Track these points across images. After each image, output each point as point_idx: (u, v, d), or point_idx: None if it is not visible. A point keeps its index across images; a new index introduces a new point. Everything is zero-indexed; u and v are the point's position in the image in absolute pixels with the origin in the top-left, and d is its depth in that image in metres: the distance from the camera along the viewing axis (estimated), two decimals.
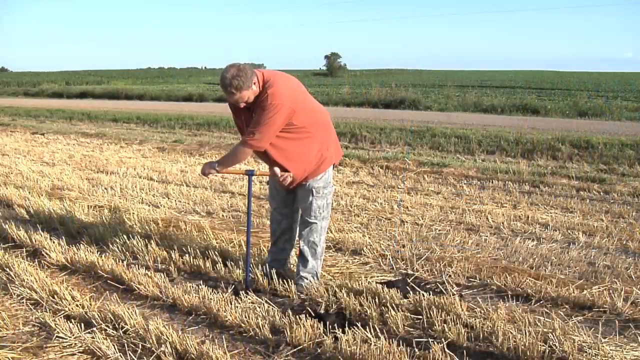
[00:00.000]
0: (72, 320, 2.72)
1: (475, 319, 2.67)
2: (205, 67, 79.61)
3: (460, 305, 2.80)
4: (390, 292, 2.95)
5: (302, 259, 3.15)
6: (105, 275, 3.32)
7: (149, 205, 5.08)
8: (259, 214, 4.77)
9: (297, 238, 3.32)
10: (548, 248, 3.88)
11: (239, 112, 2.94)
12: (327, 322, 2.65)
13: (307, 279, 3.13)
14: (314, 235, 3.10)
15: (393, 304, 2.83)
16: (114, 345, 2.48)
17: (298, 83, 2.95)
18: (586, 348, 2.38)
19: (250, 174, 3.09)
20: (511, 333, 2.47)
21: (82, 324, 2.69)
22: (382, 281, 3.24)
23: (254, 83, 2.72)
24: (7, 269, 3.37)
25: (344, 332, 2.53)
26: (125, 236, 3.84)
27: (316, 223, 3.08)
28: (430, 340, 2.49)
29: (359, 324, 2.60)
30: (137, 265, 3.45)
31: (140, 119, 13.62)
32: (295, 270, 3.24)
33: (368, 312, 2.75)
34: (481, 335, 2.55)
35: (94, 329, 2.63)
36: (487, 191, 5.79)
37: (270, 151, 2.91)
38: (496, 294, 3.10)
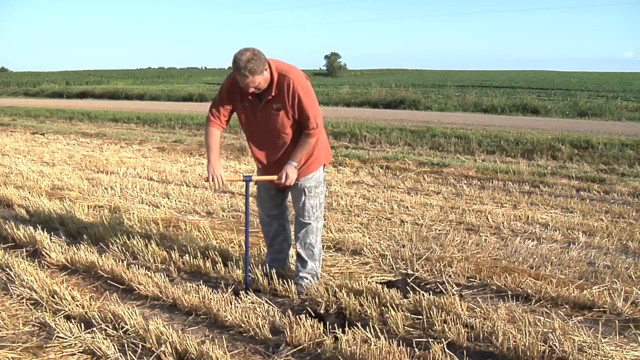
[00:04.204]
0: (72, 320, 2.72)
1: (475, 319, 2.67)
2: (205, 67, 79.89)
3: (460, 305, 2.80)
4: (390, 292, 2.95)
5: (301, 261, 3.16)
6: (105, 275, 3.32)
7: (149, 205, 5.08)
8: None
9: (292, 238, 3.31)
10: (548, 248, 3.88)
11: (240, 100, 2.90)
12: (327, 322, 2.65)
13: (307, 279, 3.13)
14: (310, 237, 3.10)
15: (393, 304, 2.83)
16: (114, 345, 2.48)
17: None
18: (586, 348, 2.38)
19: (247, 180, 3.06)
20: (511, 333, 2.47)
21: (82, 324, 2.69)
22: (382, 281, 3.24)
23: (266, 69, 2.72)
24: (7, 269, 3.37)
25: (344, 332, 2.53)
26: (125, 236, 3.84)
27: (311, 224, 3.08)
28: (430, 340, 2.49)
29: (359, 324, 2.60)
30: (137, 265, 3.45)
31: (140, 119, 13.61)
32: (295, 270, 3.24)
33: (368, 312, 2.75)
34: (481, 335, 2.55)
35: (94, 329, 2.63)
36: (487, 191, 5.79)
37: (272, 145, 2.94)
38: (496, 294, 3.10)
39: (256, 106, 2.87)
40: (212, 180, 2.93)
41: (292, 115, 2.84)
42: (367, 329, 2.52)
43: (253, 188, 3.27)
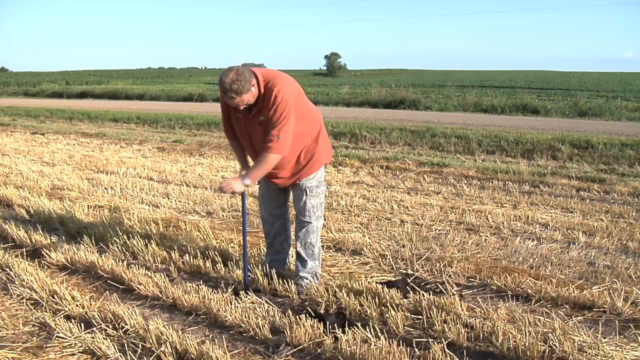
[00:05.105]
0: (72, 320, 2.72)
1: (475, 319, 2.67)
2: (205, 67, 79.94)
3: (460, 305, 2.80)
4: (390, 292, 2.95)
5: (301, 260, 3.15)
6: (105, 275, 3.32)
7: (149, 205, 5.08)
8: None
9: (292, 238, 3.31)
10: (548, 248, 3.88)
11: (234, 113, 2.91)
12: (327, 322, 2.65)
13: (306, 279, 3.13)
14: (310, 236, 3.10)
15: (393, 304, 2.83)
16: (114, 345, 2.48)
17: (295, 81, 2.94)
18: (586, 348, 2.38)
19: (242, 179, 3.06)
20: (511, 333, 2.47)
21: (82, 324, 2.70)
22: (382, 281, 3.24)
23: (253, 85, 2.70)
24: (7, 269, 3.37)
25: (344, 332, 2.53)
26: (125, 236, 3.84)
27: (311, 223, 3.08)
28: (430, 340, 2.49)
29: (359, 324, 2.60)
30: (137, 265, 3.45)
31: (140, 119, 13.62)
32: (294, 270, 3.23)
33: (368, 312, 2.75)
34: (481, 335, 2.55)
35: (94, 329, 2.63)
36: (487, 191, 5.79)
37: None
38: (496, 294, 3.10)
39: (246, 118, 2.87)
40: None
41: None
42: (367, 329, 2.52)
43: (254, 188, 3.28)
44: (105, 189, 5.77)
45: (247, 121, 2.89)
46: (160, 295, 3.03)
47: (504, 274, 3.27)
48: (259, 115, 2.80)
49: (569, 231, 4.31)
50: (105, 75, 54.45)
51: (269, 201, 3.22)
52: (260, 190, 3.26)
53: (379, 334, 2.50)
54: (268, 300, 2.94)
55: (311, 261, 3.14)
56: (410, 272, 3.42)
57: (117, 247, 3.72)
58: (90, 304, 2.92)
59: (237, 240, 3.89)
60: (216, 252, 3.55)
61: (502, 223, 4.49)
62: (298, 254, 3.16)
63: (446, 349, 2.37)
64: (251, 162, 3.18)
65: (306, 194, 3.04)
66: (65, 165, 7.44)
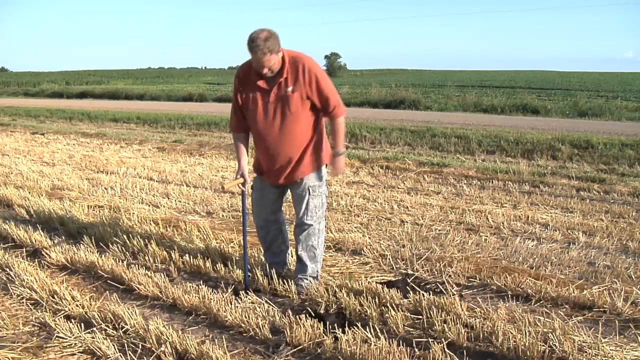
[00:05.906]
0: (72, 320, 2.72)
1: (475, 319, 2.67)
2: (205, 67, 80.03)
3: (460, 305, 2.80)
4: (390, 292, 2.95)
5: (301, 263, 3.12)
6: (105, 275, 3.32)
7: (149, 205, 5.08)
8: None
9: (292, 240, 3.29)
10: (548, 248, 3.88)
11: (251, 92, 2.82)
12: (327, 322, 2.65)
13: (307, 280, 3.12)
14: (311, 239, 3.05)
15: (393, 304, 2.83)
16: (114, 345, 2.48)
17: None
18: (586, 348, 2.38)
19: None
20: (511, 333, 2.47)
21: (82, 324, 2.70)
22: (382, 281, 3.24)
23: (280, 50, 2.71)
24: (7, 269, 3.37)
25: (344, 332, 2.53)
26: (125, 236, 3.84)
27: (312, 225, 3.02)
28: (430, 340, 2.49)
29: (359, 324, 2.60)
30: (137, 265, 3.45)
31: (140, 119, 13.61)
32: (295, 271, 3.23)
33: (368, 312, 2.75)
34: (481, 335, 2.55)
35: (94, 329, 2.63)
36: (487, 191, 5.79)
37: (282, 142, 2.87)
38: (496, 294, 3.10)
39: (267, 94, 2.78)
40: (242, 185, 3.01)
41: (310, 96, 2.78)
42: (367, 329, 2.52)
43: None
44: (105, 189, 5.77)
45: (267, 96, 2.79)
46: (160, 295, 3.03)
47: (504, 274, 3.27)
48: (286, 85, 2.76)
49: (569, 231, 4.31)
50: (105, 75, 54.48)
51: (265, 207, 3.13)
52: (254, 197, 3.16)
53: (379, 334, 2.50)
54: (268, 300, 2.94)
55: (312, 263, 3.12)
56: (410, 272, 3.42)
57: (117, 247, 3.72)
58: (90, 304, 2.92)
59: (237, 240, 3.89)
60: (216, 252, 3.55)
61: (502, 223, 4.49)
62: (299, 257, 3.12)
63: (446, 349, 2.37)
64: (250, 164, 3.17)
65: (309, 194, 2.98)
66: (65, 165, 7.44)
